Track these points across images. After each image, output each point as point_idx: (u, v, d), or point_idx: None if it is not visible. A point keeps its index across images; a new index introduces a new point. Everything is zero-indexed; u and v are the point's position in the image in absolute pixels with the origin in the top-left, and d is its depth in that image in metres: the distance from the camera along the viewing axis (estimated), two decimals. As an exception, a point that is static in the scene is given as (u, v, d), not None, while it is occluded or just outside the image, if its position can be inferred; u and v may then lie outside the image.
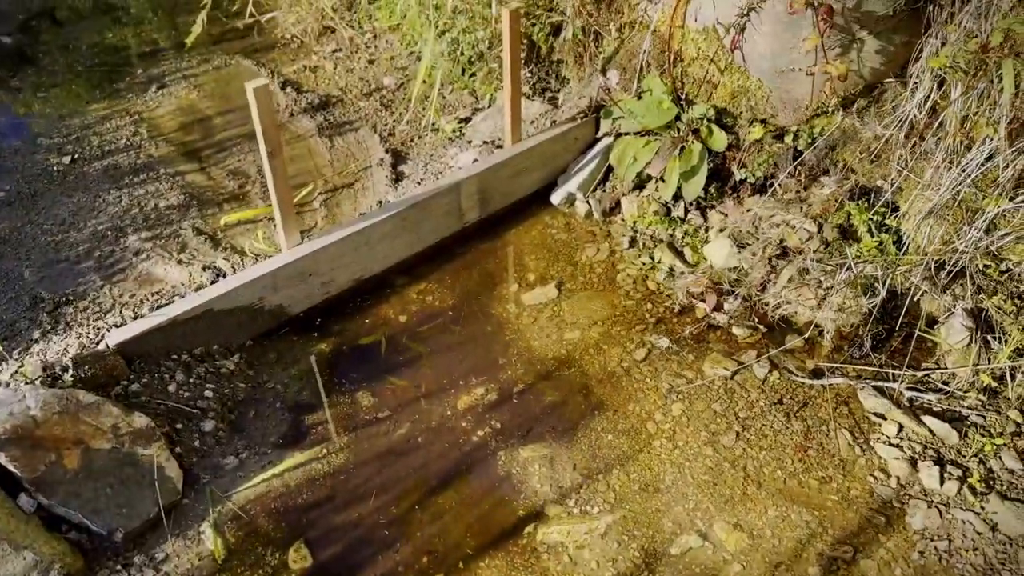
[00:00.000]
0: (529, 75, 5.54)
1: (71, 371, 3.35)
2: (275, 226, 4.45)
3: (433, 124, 5.47)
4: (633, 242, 4.53)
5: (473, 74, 5.78)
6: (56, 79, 6.16)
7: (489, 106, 5.54)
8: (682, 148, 4.45)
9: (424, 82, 5.52)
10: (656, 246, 4.47)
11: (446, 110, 5.62)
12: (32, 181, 4.87)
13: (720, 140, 4.40)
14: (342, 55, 6.51)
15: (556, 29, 5.51)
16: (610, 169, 4.84)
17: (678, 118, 4.53)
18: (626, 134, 4.73)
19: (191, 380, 3.65)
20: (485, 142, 5.03)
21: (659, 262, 4.38)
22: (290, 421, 3.63)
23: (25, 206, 4.67)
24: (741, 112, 4.40)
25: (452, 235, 4.60)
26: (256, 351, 3.95)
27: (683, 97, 4.56)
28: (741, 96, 4.35)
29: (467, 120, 5.52)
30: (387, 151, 5.34)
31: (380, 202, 4.65)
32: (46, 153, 5.16)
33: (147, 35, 6.92)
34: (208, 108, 5.83)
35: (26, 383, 3.27)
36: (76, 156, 5.17)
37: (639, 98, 4.71)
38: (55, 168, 5.01)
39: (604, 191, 4.81)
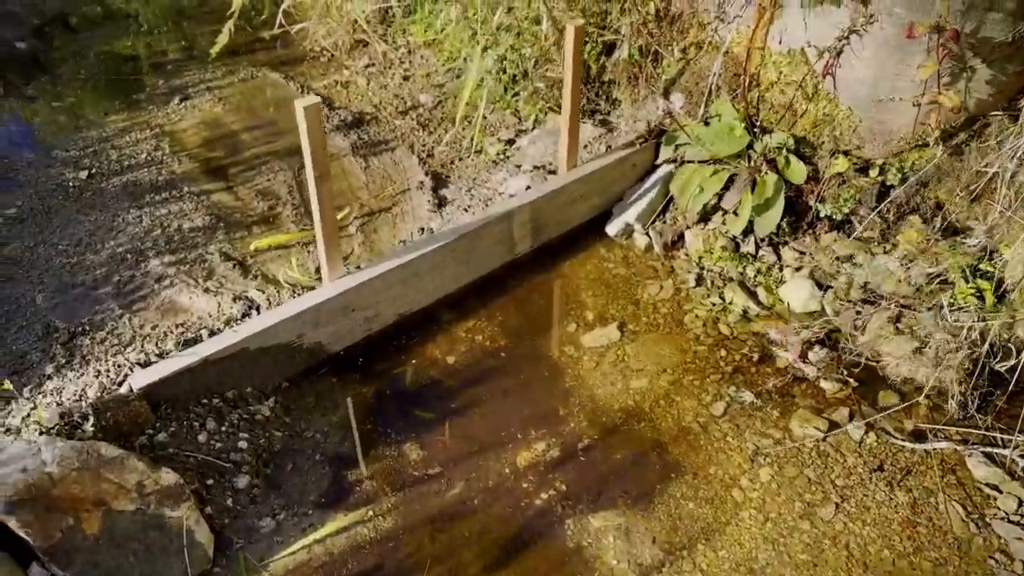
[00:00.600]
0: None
1: (92, 419, 2.98)
2: (313, 253, 4.11)
3: (476, 146, 5.12)
4: (700, 280, 4.17)
5: (516, 93, 5.44)
6: (72, 88, 5.81)
7: (534, 128, 5.19)
8: (754, 180, 4.10)
9: (467, 103, 5.17)
10: (726, 285, 4.10)
11: (487, 130, 5.27)
12: (46, 197, 4.51)
13: (799, 172, 4.05)
14: (375, 70, 6.17)
15: (608, 48, 5.18)
16: (670, 199, 4.49)
17: (750, 147, 4.19)
18: (690, 162, 4.38)
19: (223, 428, 3.27)
20: (536, 167, 4.67)
21: (731, 303, 4.02)
22: (331, 476, 3.25)
23: (39, 224, 4.30)
24: (823, 142, 4.05)
25: (502, 266, 4.24)
26: (292, 394, 3.58)
27: (757, 124, 4.21)
28: (824, 125, 4.00)
29: (511, 142, 5.17)
30: (427, 173, 5.00)
31: (423, 229, 4.29)
32: (61, 167, 4.80)
33: (166, 44, 6.59)
34: (234, 123, 5.49)
35: (41, 433, 2.89)
36: (93, 171, 4.81)
37: (706, 124, 4.36)
38: (71, 183, 4.65)
39: (664, 223, 4.45)
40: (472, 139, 5.18)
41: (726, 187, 4.25)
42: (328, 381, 3.67)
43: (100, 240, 4.25)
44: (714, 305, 4.02)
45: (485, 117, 5.28)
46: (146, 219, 4.50)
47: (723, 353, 3.79)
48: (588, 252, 4.41)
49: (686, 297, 4.09)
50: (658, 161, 4.59)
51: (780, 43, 3.93)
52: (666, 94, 4.56)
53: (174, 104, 5.71)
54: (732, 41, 4.19)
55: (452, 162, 5.16)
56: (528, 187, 4.34)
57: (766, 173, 4.07)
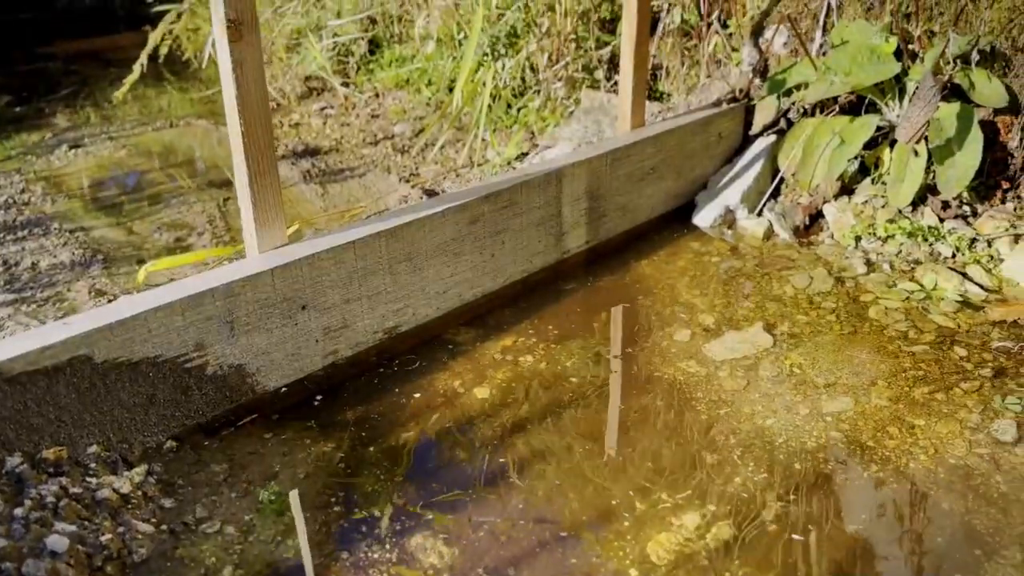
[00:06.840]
0: (609, 86, 3.86)
1: None
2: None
3: (479, 157, 3.69)
4: (870, 265, 2.61)
5: (523, 107, 4.08)
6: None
7: (557, 124, 3.78)
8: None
9: (465, 88, 3.79)
10: (914, 269, 2.55)
11: (491, 148, 3.86)
12: None
13: (994, 94, 2.63)
14: (333, 112, 4.80)
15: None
16: (780, 181, 3.02)
17: (901, 76, 2.78)
18: (809, 115, 2.95)
19: (17, 513, 1.49)
20: (580, 145, 3.20)
21: (935, 289, 2.45)
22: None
23: None
24: (1020, 46, 2.67)
25: (547, 268, 2.64)
26: (182, 460, 1.83)
27: (912, 40, 2.83)
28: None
29: (524, 156, 3.73)
30: (413, 188, 3.53)
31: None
32: None
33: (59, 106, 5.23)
34: (140, 165, 4.08)
35: None
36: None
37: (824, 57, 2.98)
38: None
39: (785, 203, 2.95)
40: (475, 142, 3.74)
41: (874, 140, 2.81)
42: (256, 437, 1.93)
43: None
44: (910, 293, 2.44)
45: (484, 141, 3.86)
46: (-21, 258, 2.95)
47: (962, 352, 2.16)
48: (674, 247, 2.85)
49: (858, 287, 2.51)
50: (753, 131, 3.15)
51: None
52: (756, 35, 3.19)
53: (60, 152, 4.26)
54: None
55: (445, 178, 3.68)
56: (579, 146, 2.84)
57: (941, 100, 2.64)
